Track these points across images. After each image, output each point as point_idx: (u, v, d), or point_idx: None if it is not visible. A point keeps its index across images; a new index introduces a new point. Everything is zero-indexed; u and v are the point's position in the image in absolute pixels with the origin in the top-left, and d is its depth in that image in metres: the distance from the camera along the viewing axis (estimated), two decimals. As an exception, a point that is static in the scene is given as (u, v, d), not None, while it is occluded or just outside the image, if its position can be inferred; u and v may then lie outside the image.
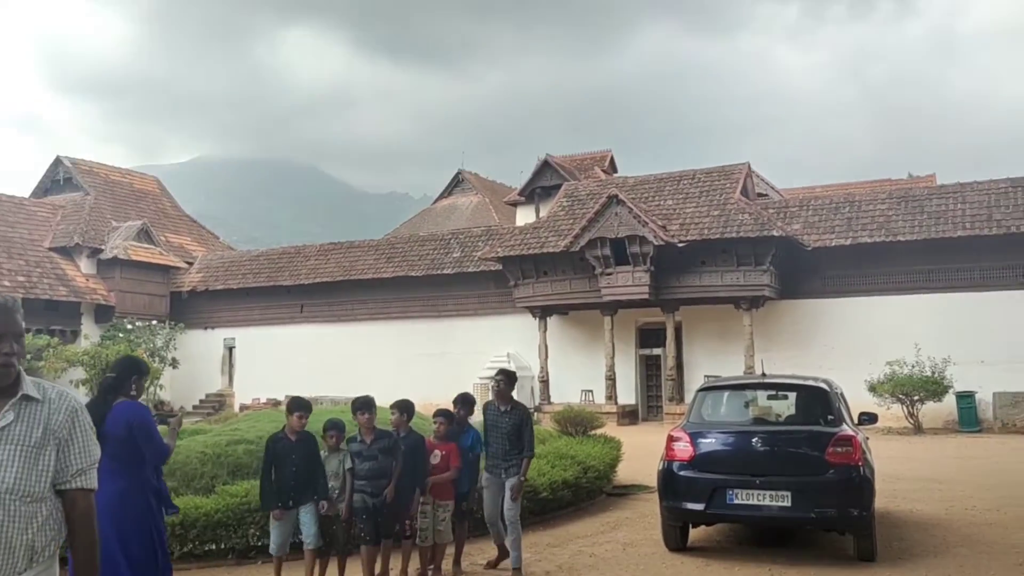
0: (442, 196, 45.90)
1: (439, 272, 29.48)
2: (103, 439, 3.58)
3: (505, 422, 7.06)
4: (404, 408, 7.05)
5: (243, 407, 29.16)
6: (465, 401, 7.48)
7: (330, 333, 31.24)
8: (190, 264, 35.19)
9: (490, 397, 7.42)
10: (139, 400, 5.02)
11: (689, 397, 10.64)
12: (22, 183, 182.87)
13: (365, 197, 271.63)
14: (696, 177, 26.07)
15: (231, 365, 33.69)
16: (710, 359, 24.41)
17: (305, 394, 30.91)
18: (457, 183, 45.12)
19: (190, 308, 33.92)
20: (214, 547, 7.74)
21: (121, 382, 4.91)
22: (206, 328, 33.95)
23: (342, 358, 29.91)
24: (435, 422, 7.37)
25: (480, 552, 7.80)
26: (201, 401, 32.71)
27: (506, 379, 7.18)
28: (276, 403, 28.48)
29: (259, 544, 7.78)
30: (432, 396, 28.20)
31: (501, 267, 27.06)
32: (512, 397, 7.22)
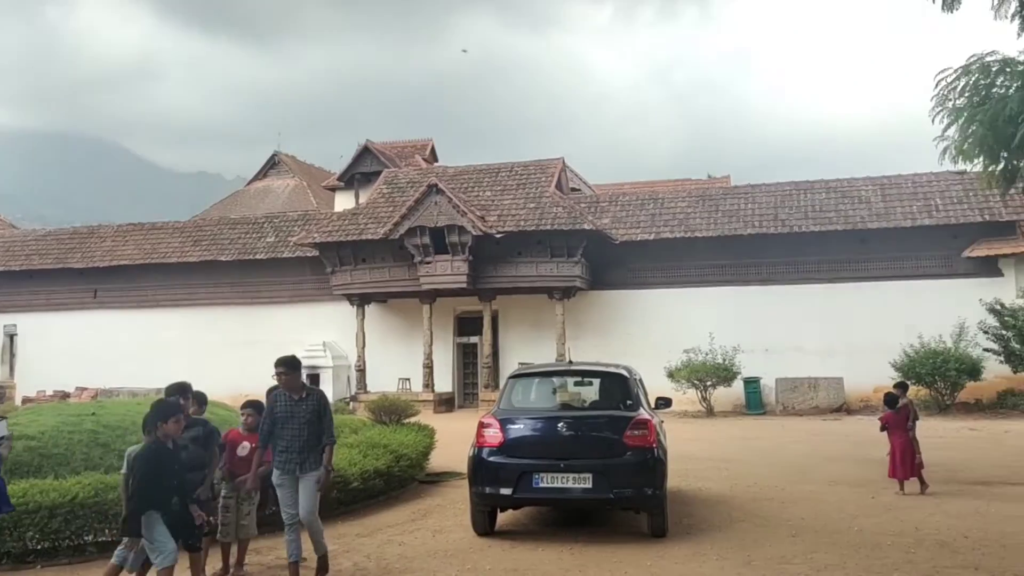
0: (256, 178, 44.12)
1: (251, 257, 28.35)
2: None
3: (302, 410, 6.45)
4: (182, 391, 6.67)
5: (26, 400, 26.70)
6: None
7: (129, 320, 29.26)
8: (-36, 243, 31.75)
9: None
10: None
11: (503, 383, 10.89)
12: None
13: (172, 176, 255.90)
14: (513, 170, 26.65)
15: (12, 354, 30.82)
16: (525, 347, 25.07)
17: (100, 386, 28.83)
18: (272, 165, 43.54)
19: (-36, 291, 30.63)
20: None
21: None
22: (-13, 314, 30.79)
23: (143, 347, 28.12)
24: (243, 414, 7.13)
25: (271, 550, 7.60)
26: (-24, 394, 29.63)
27: (288, 368, 6.50)
28: (65, 395, 26.35)
29: (39, 548, 7.20)
30: (244, 387, 27.11)
31: (318, 253, 26.42)
32: (305, 383, 6.69)
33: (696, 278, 24.93)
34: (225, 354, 27.03)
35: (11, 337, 30.80)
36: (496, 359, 25.37)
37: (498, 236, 23.74)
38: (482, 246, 24.02)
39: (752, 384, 23.14)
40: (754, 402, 23.10)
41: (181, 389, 6.63)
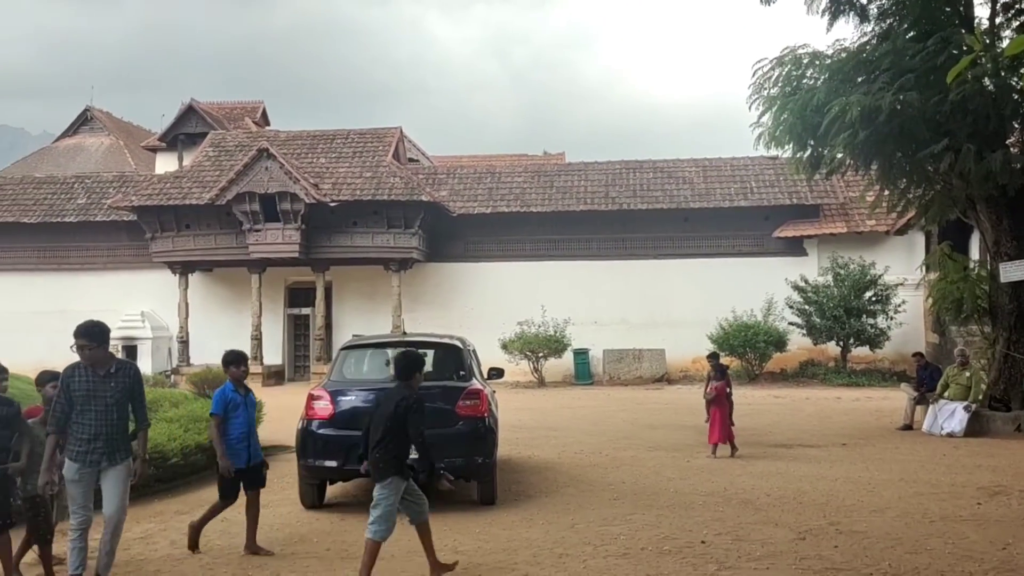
0: (66, 134, 40.70)
1: (60, 220, 26.20)
2: None
3: (110, 389, 5.34)
4: None
5: None
6: None
7: (-87, 286, 26.33)
8: None
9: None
10: None
11: (335, 355, 10.69)
12: None
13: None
14: (350, 137, 26.05)
15: None
16: (359, 319, 24.71)
17: None
18: (85, 121, 40.31)
19: None
20: None
21: None
22: None
23: (-70, 316, 25.40)
24: (42, 387, 6.57)
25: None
26: None
27: (91, 339, 5.30)
28: None
29: None
30: (52, 360, 25.16)
31: (136, 218, 24.78)
32: (114, 356, 5.58)
33: (531, 252, 25.44)
34: (30, 325, 24.88)
35: None
36: (329, 331, 24.87)
37: (332, 205, 23.18)
38: (316, 215, 23.38)
39: (581, 355, 23.97)
40: (583, 373, 23.96)
41: None
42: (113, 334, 21.74)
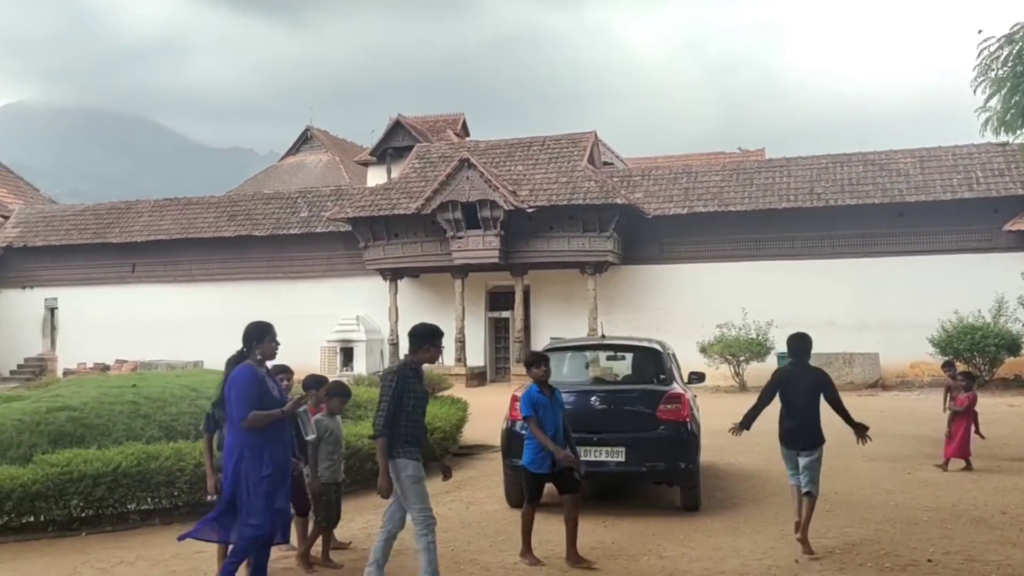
0: (289, 153, 44.40)
1: (285, 232, 28.60)
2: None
3: (423, 389, 5.69)
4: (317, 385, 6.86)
5: (67, 372, 27.32)
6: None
7: (166, 294, 29.72)
8: (5, 218, 32.40)
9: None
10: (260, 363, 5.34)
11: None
12: None
13: (206, 152, 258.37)
14: (545, 144, 26.51)
15: (53, 327, 31.45)
16: (556, 321, 25.08)
17: (139, 359, 29.30)
18: (305, 140, 43.76)
19: (6, 266, 31.31)
20: (32, 519, 7.28)
21: (247, 346, 5.37)
22: (24, 287, 31.47)
23: (179, 321, 28.56)
24: (313, 392, 6.89)
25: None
26: (19, 366, 30.36)
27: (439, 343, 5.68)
28: (105, 368, 26.91)
29: (83, 515, 7.40)
30: (278, 359, 27.51)
31: (351, 228, 26.58)
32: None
33: (730, 252, 24.71)
34: (260, 328, 27.35)
35: (52, 311, 31.44)
36: (528, 334, 25.43)
37: (530, 211, 23.69)
38: (514, 221, 24.00)
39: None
40: (787, 377, 22.87)
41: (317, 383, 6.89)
42: (331, 337, 23.50)
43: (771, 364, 23.01)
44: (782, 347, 23.61)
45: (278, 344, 5.49)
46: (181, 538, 5.46)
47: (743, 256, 24.54)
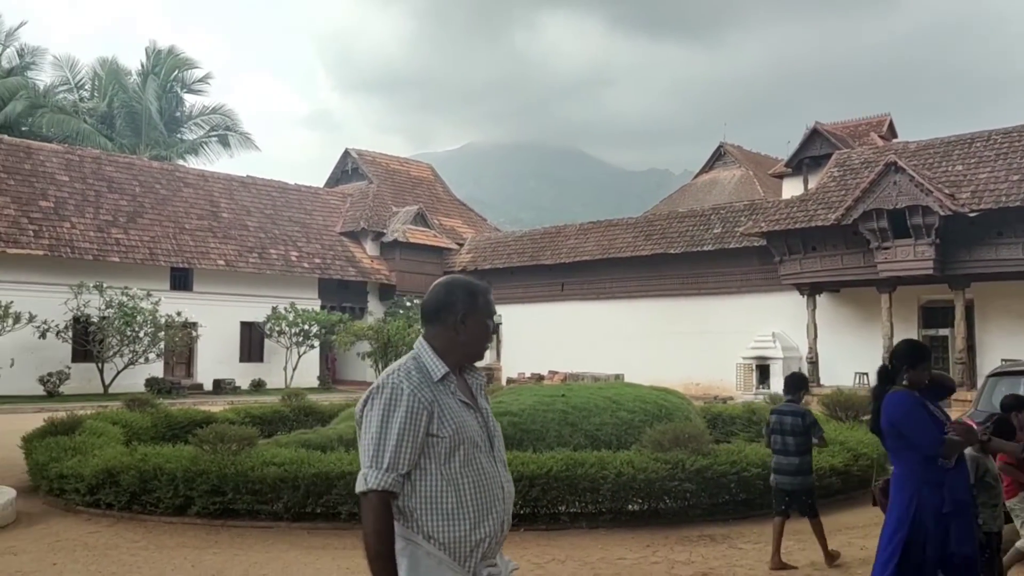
0: (703, 171, 44.92)
1: (699, 249, 28.93)
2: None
3: None
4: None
5: (510, 380, 30.64)
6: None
7: (589, 310, 31.87)
8: (461, 245, 37.52)
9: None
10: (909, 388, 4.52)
11: (981, 382, 9.62)
12: (309, 174, 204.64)
13: (625, 175, 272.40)
14: (991, 139, 23.26)
15: (498, 340, 35.50)
16: (1008, 341, 21.80)
17: (568, 370, 31.65)
18: (718, 157, 43.92)
19: (461, 287, 36.22)
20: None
21: (895, 369, 4.60)
22: (476, 305, 36.06)
23: (600, 335, 30.42)
24: None
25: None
26: (472, 374, 34.80)
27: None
28: (539, 378, 29.65)
29: (521, 512, 8.17)
30: (693, 375, 27.99)
31: (765, 243, 25.99)
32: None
33: None
34: (673, 343, 28.02)
35: (497, 326, 35.48)
36: (971, 354, 22.46)
37: (972, 215, 20.95)
38: (952, 227, 21.42)
39: None
40: None
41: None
42: (745, 354, 23.22)
43: None
44: None
45: (929, 373, 4.60)
46: None
47: None
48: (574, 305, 32.59)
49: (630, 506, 8.39)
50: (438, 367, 2.74)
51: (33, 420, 13.20)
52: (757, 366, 25.87)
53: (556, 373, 29.85)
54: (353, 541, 7.67)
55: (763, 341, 26.18)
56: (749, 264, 27.86)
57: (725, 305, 28.16)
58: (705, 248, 28.78)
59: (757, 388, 24.77)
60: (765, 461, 8.05)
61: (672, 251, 29.51)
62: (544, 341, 31.73)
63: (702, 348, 27.40)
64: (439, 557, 2.58)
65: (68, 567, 6.66)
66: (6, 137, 30.06)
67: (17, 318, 23.80)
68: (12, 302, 23.83)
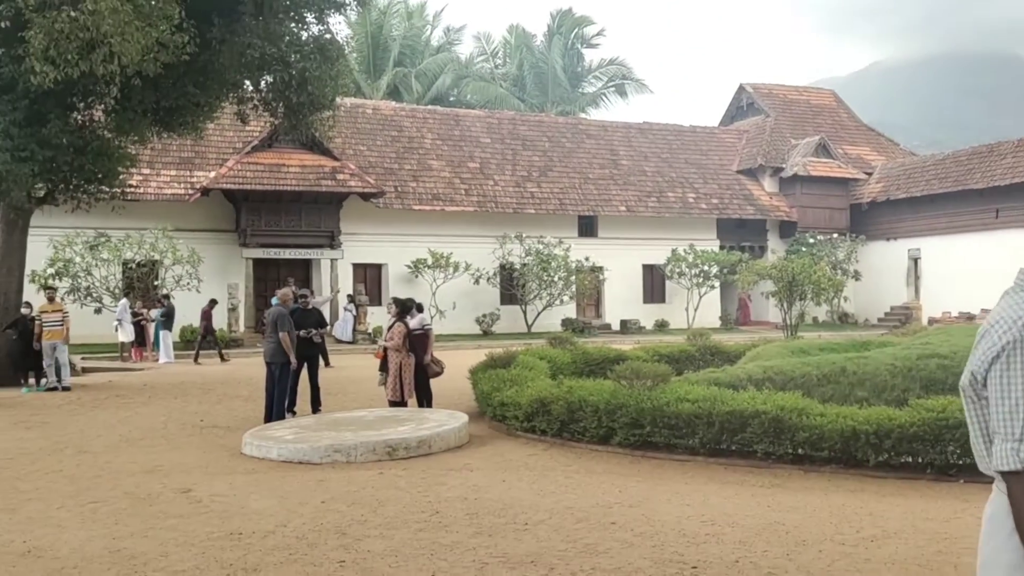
0: None
1: None
2: None
3: None
4: None
5: (931, 320, 27.83)
6: None
7: (1033, 240, 27.50)
8: (869, 175, 34.63)
9: None
10: None
11: None
12: (702, 112, 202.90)
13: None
14: None
15: (916, 277, 32.36)
16: None
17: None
18: None
19: (870, 219, 33.52)
20: (909, 460, 7.71)
21: None
22: (888, 239, 33.17)
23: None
24: None
25: None
26: (886, 314, 32.29)
27: None
28: (969, 317, 26.52)
29: (959, 463, 7.49)
30: None
31: None
32: None
33: None
34: None
35: (915, 261, 32.36)
36: None
37: None
38: None
39: None
40: None
41: None
42: None
43: None
44: None
45: None
46: None
47: None
48: (1010, 234, 28.32)
49: None
50: None
51: (474, 355, 15.09)
52: None
53: (989, 312, 26.41)
54: (771, 479, 7.67)
55: None
56: None
57: None
58: None
59: None
60: None
61: None
62: (974, 276, 28.12)
63: None
64: None
65: (515, 484, 7.59)
66: (439, 108, 34.52)
67: (456, 267, 27.58)
68: (452, 253, 27.62)
